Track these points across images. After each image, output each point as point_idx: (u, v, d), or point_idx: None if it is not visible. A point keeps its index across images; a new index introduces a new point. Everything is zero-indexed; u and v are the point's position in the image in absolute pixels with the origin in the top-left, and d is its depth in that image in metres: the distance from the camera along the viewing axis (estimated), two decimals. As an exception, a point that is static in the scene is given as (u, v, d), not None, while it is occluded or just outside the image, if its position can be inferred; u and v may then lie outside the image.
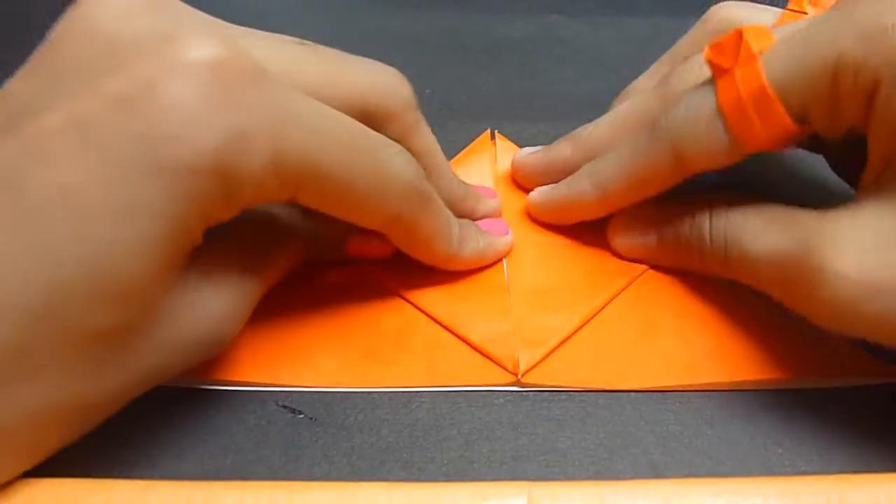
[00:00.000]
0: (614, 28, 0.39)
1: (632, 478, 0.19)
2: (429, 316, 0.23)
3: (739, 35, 0.20)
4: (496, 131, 0.30)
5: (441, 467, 0.19)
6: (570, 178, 0.25)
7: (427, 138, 0.23)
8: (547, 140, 0.27)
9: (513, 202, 0.27)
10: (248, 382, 0.21)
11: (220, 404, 0.21)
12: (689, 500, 0.17)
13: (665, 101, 0.23)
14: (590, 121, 0.26)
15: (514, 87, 0.35)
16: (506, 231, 0.25)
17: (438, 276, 0.23)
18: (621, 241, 0.25)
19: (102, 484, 0.17)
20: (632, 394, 0.21)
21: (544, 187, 0.26)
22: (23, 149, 0.15)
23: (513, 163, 0.27)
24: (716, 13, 0.25)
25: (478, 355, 0.22)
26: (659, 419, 0.20)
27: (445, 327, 0.23)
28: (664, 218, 0.24)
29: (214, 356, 0.20)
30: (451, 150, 0.28)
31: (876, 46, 0.17)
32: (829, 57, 0.18)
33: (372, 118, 0.21)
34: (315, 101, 0.18)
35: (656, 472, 0.19)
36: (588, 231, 0.25)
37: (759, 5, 0.24)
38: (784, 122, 0.19)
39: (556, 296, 0.24)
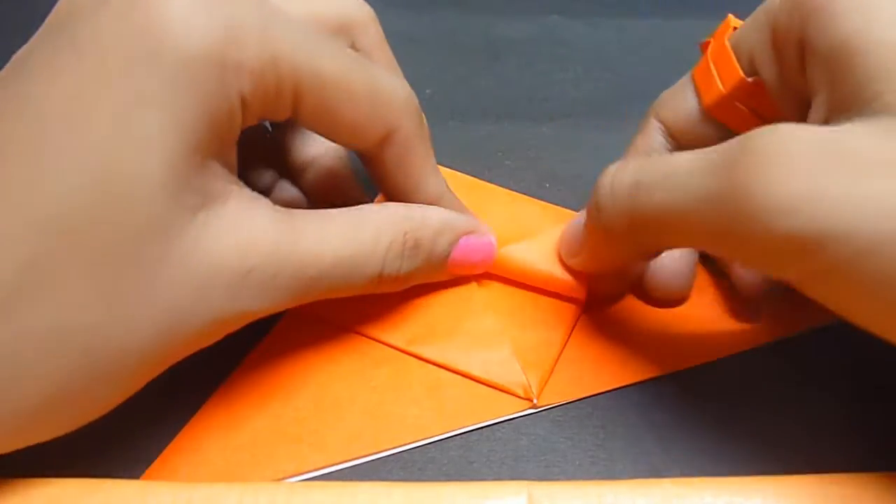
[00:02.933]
0: (614, 28, 0.39)
1: (632, 478, 0.19)
2: (422, 359, 0.22)
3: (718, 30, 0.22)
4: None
5: (441, 467, 0.19)
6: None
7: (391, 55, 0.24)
8: (546, 140, 0.27)
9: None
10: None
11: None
12: (688, 500, 0.17)
13: None
14: (590, 121, 0.26)
15: (514, 87, 0.35)
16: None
17: (417, 315, 0.23)
18: (565, 247, 0.23)
19: (102, 484, 0.17)
20: (631, 394, 0.21)
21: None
22: (30, 81, 0.16)
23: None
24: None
25: (485, 388, 0.21)
26: (659, 420, 0.20)
27: (442, 366, 0.22)
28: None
29: (246, 312, 0.18)
30: (452, 151, 0.28)
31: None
32: (769, 10, 0.19)
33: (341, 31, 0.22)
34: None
35: (656, 472, 0.19)
36: (546, 231, 0.25)
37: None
38: (736, 72, 0.20)
39: (536, 307, 0.23)
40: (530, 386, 0.21)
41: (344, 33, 0.23)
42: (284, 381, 0.21)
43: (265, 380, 0.21)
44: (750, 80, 0.20)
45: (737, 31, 0.21)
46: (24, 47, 0.17)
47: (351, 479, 0.18)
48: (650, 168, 0.18)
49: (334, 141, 0.21)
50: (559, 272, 0.23)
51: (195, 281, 0.17)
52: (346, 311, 0.22)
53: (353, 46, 0.23)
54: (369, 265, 0.20)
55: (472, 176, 0.28)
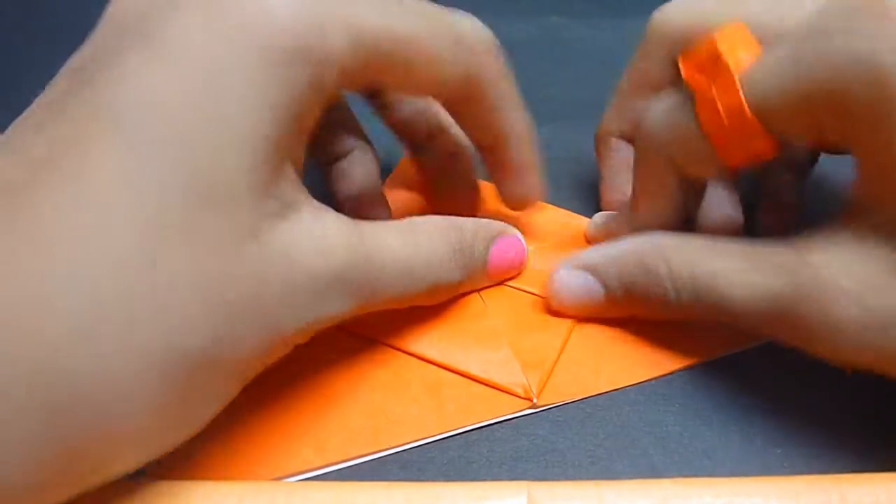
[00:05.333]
0: (614, 29, 0.39)
1: (631, 478, 0.19)
2: (421, 359, 0.22)
3: (716, 56, 0.18)
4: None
5: (441, 467, 0.19)
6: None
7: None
8: (546, 140, 0.26)
9: None
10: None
11: None
12: (688, 500, 0.17)
13: None
14: (590, 121, 0.26)
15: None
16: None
17: (418, 316, 0.22)
18: (562, 293, 0.22)
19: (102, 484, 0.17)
20: (631, 395, 0.21)
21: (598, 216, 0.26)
22: (106, 83, 0.15)
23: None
24: (659, 22, 0.24)
25: (484, 388, 0.21)
26: (658, 420, 0.20)
27: (442, 366, 0.22)
28: (608, 264, 0.22)
29: (331, 316, 0.18)
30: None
31: (860, 75, 0.16)
32: (815, 83, 0.17)
33: None
34: None
35: (656, 472, 0.19)
36: (548, 237, 0.26)
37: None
38: (765, 144, 0.18)
39: (536, 310, 0.23)
40: (530, 386, 0.21)
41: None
42: (283, 381, 0.21)
43: (264, 379, 0.21)
44: (781, 146, 0.19)
45: (758, 93, 0.18)
46: (93, 38, 0.17)
47: (351, 479, 0.18)
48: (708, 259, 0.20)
49: (414, 94, 0.21)
50: None
51: (286, 289, 0.16)
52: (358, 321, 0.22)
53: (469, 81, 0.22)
54: (428, 275, 0.20)
55: (472, 176, 0.28)
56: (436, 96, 0.21)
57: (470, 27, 0.20)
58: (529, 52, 0.37)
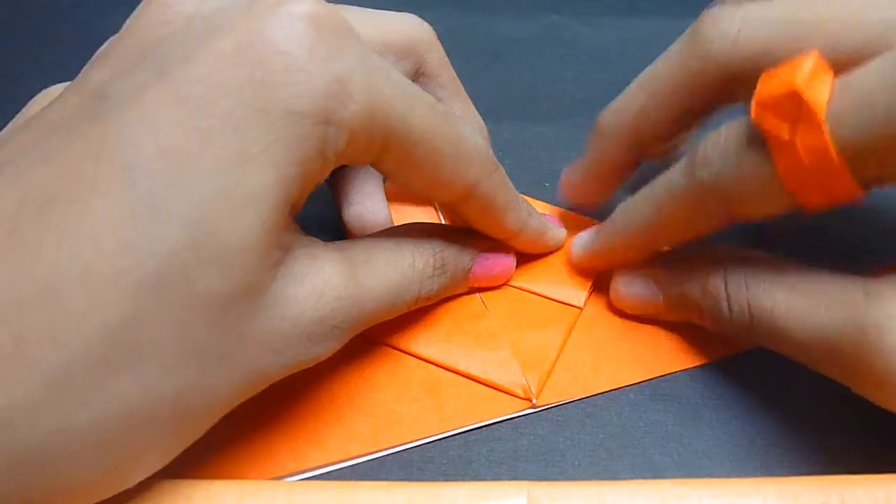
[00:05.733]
0: (614, 28, 0.39)
1: (631, 478, 0.19)
2: (421, 359, 0.22)
3: (797, 97, 0.16)
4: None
5: (441, 467, 0.19)
6: (603, 225, 0.23)
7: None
8: (546, 140, 0.27)
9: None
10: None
11: None
12: (688, 500, 0.17)
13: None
14: (590, 121, 0.26)
15: (514, 87, 0.35)
16: (559, 223, 0.25)
17: (417, 316, 0.23)
18: (623, 294, 0.23)
19: (102, 483, 0.17)
20: (631, 395, 0.21)
21: (583, 234, 0.24)
22: (118, 121, 0.15)
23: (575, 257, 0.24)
24: (708, 28, 0.20)
25: (484, 388, 0.21)
26: (658, 420, 0.20)
27: (442, 366, 0.22)
28: (670, 274, 0.22)
29: (317, 357, 0.18)
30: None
31: None
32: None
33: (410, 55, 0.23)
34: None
35: (656, 472, 0.19)
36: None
37: (754, 6, 0.20)
38: (852, 190, 0.17)
39: (536, 310, 0.23)
40: (529, 386, 0.21)
41: (412, 55, 0.23)
42: (283, 381, 0.21)
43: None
44: (866, 190, 0.17)
45: (845, 137, 0.16)
46: (98, 65, 0.16)
47: (351, 479, 0.18)
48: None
49: (413, 190, 0.21)
50: (561, 279, 0.24)
51: (276, 336, 0.16)
52: None
53: (420, 69, 0.24)
54: (410, 290, 0.20)
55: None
56: (430, 197, 0.21)
57: (474, 141, 0.20)
58: (529, 51, 0.37)
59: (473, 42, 0.38)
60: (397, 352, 0.22)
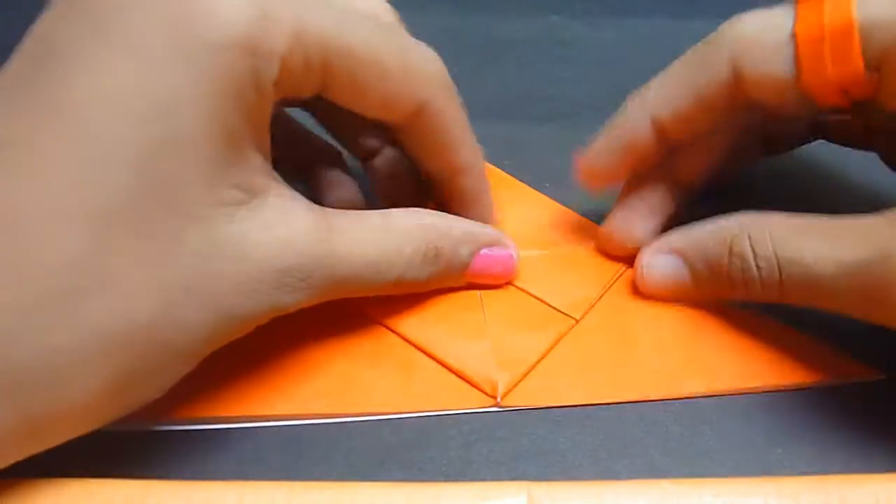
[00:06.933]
0: (614, 28, 0.39)
1: (632, 478, 0.19)
2: (404, 338, 0.22)
3: None
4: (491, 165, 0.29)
5: (441, 467, 0.19)
6: (619, 113, 0.23)
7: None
8: (546, 140, 0.27)
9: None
10: (216, 418, 0.20)
11: None
12: (688, 500, 0.17)
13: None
14: (590, 121, 0.25)
15: (514, 87, 0.35)
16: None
17: (410, 299, 0.23)
18: (649, 276, 0.23)
19: (102, 484, 0.17)
20: (632, 394, 0.21)
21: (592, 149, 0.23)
22: (62, 71, 0.16)
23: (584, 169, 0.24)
24: (731, 31, 0.20)
25: (454, 378, 0.21)
26: (658, 420, 0.20)
27: (421, 349, 0.22)
28: (693, 246, 0.22)
29: (285, 306, 0.18)
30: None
31: None
32: None
33: None
34: None
35: (656, 472, 0.19)
36: (561, 243, 0.25)
37: (776, 12, 0.20)
38: (861, 78, 0.18)
39: (531, 313, 0.23)
40: (497, 384, 0.21)
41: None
42: (269, 332, 0.21)
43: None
44: (867, 80, 0.18)
45: (870, 9, 0.17)
46: (44, 21, 0.17)
47: (351, 480, 0.18)
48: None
49: (364, 115, 0.21)
50: (566, 288, 0.24)
51: (238, 278, 0.17)
52: None
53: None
54: (392, 270, 0.20)
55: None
56: (386, 120, 0.21)
57: (422, 54, 0.20)
58: (529, 51, 0.37)
59: (473, 42, 0.38)
60: (382, 327, 0.23)
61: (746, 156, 0.26)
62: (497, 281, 0.24)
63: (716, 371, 0.21)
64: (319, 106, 0.26)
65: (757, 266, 0.20)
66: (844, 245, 0.18)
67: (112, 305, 0.15)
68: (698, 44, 0.21)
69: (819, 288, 0.19)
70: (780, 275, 0.19)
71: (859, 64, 0.18)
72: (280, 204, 0.18)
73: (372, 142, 0.26)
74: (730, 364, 0.21)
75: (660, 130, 0.22)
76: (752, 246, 0.20)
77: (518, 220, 0.26)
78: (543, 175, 0.29)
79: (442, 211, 0.23)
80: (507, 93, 0.34)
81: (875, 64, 0.18)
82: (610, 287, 0.24)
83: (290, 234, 0.18)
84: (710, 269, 0.21)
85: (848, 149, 0.26)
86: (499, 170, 0.29)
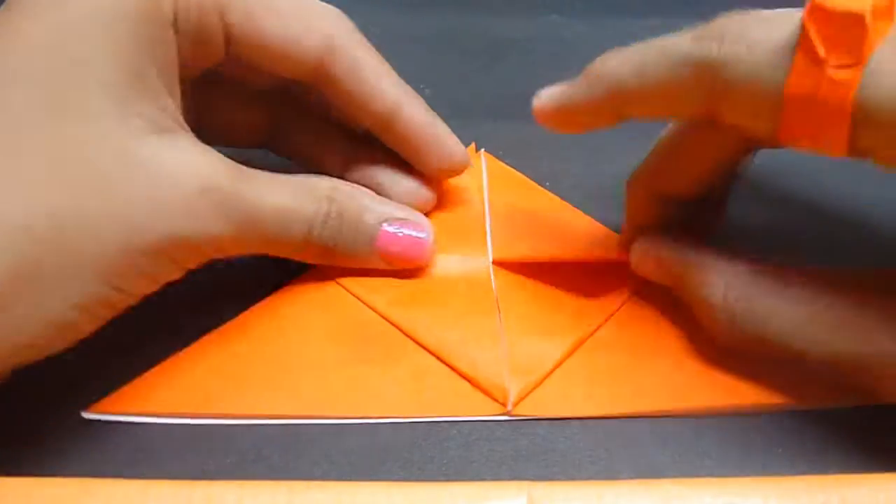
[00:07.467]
0: (614, 28, 0.39)
1: (632, 478, 0.19)
2: (416, 342, 0.22)
3: (860, 22, 0.15)
4: (482, 150, 0.30)
5: (441, 467, 0.19)
6: (576, 78, 0.21)
7: None
8: (546, 140, 0.27)
9: (504, 225, 0.26)
10: (223, 415, 0.20)
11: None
12: (688, 500, 0.17)
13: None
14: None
15: (514, 87, 0.35)
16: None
17: (425, 299, 0.23)
18: (637, 260, 0.23)
19: (102, 484, 0.17)
20: (632, 394, 0.21)
21: (552, 88, 0.22)
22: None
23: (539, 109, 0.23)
24: (718, 66, 0.18)
25: (466, 384, 0.21)
26: (658, 419, 0.20)
27: (433, 354, 0.22)
28: (679, 265, 0.21)
29: (206, 234, 0.19)
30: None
31: None
32: None
33: None
34: None
35: (656, 472, 0.19)
36: (577, 250, 0.25)
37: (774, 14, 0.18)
38: (841, 145, 0.16)
39: (547, 320, 0.23)
40: (508, 393, 0.20)
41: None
42: (282, 330, 0.22)
43: (263, 324, 0.22)
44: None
45: (870, 96, 0.15)
46: None
47: (351, 479, 0.18)
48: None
49: (275, 71, 0.22)
50: (579, 297, 0.23)
51: (150, 192, 0.18)
52: (362, 283, 0.23)
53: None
54: (297, 225, 0.21)
55: (472, 176, 0.28)
56: (298, 73, 0.22)
57: (320, 2, 0.22)
58: (529, 51, 0.37)
59: (473, 42, 0.38)
60: (396, 330, 0.22)
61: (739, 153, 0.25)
62: (409, 264, 0.23)
63: (733, 385, 0.21)
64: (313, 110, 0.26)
65: (728, 319, 0.20)
66: (836, 339, 0.18)
67: (15, 192, 0.17)
68: (682, 45, 0.19)
69: (788, 356, 0.19)
70: (761, 344, 0.20)
71: (845, 150, 0.16)
72: (191, 144, 0.19)
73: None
74: (746, 378, 0.21)
75: (621, 99, 0.20)
76: (733, 308, 0.20)
77: (533, 223, 0.26)
78: (543, 175, 0.29)
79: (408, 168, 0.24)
80: (507, 93, 0.34)
81: (862, 153, 0.16)
82: (627, 298, 0.23)
83: (201, 166, 0.19)
84: (688, 299, 0.21)
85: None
86: (515, 171, 0.29)
